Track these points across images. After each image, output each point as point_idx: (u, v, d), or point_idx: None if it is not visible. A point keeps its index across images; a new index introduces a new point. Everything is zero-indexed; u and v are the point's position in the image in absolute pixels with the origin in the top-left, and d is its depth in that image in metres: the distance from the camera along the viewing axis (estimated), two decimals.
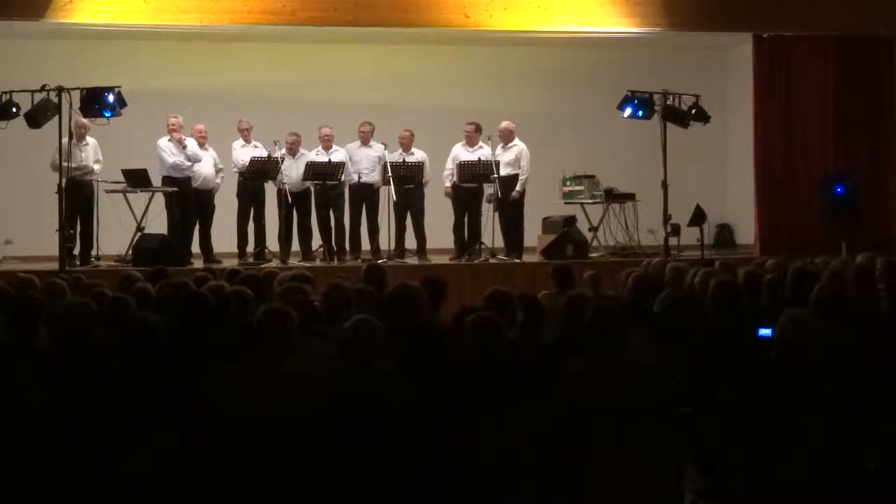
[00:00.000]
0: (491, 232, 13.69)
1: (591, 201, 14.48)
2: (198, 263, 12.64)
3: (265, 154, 13.42)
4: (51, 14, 12.97)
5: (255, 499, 4.77)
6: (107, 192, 13.00)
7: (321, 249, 13.50)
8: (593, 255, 13.92)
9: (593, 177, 14.62)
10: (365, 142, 13.74)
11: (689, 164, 14.88)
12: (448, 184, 13.75)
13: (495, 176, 13.37)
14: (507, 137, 13.79)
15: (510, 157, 13.69)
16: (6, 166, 14.58)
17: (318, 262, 13.17)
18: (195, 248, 13.34)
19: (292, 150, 13.55)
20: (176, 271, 10.34)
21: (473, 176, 13.54)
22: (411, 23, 13.93)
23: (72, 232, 12.51)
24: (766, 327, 6.00)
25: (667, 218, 13.39)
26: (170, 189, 13.07)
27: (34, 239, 13.57)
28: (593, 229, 14.36)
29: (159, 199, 13.13)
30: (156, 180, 13.12)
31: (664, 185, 13.43)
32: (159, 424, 4.88)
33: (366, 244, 13.63)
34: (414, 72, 15.98)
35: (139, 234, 12.87)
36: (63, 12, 12.99)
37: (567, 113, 16.13)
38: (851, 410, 5.16)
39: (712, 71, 16.45)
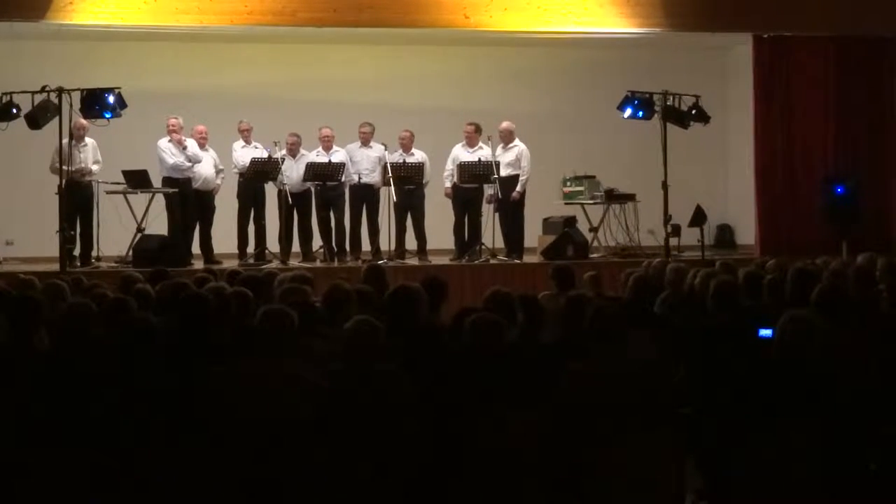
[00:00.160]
0: (491, 233, 13.70)
1: (591, 202, 14.49)
2: (198, 264, 12.64)
3: (265, 155, 13.43)
4: (51, 15, 12.96)
5: (256, 499, 4.77)
6: (107, 193, 13.00)
7: (321, 250, 13.50)
8: (594, 255, 13.92)
9: (594, 177, 14.64)
10: (365, 142, 13.75)
11: (689, 165, 14.88)
12: (448, 184, 13.75)
13: (495, 176, 13.37)
14: (507, 138, 13.80)
15: (510, 157, 13.70)
16: (6, 167, 14.59)
17: (318, 263, 13.18)
18: (195, 248, 13.34)
19: (293, 151, 13.55)
20: (176, 272, 10.32)
21: (473, 176, 13.54)
22: (411, 23, 13.92)
23: (72, 233, 12.50)
24: (766, 328, 6.00)
25: (667, 218, 13.39)
26: (170, 190, 13.07)
27: (34, 240, 13.58)
28: (594, 230, 14.36)
29: (160, 200, 13.13)
30: (156, 181, 13.13)
31: (664, 186, 13.43)
32: (159, 425, 4.88)
33: (366, 245, 13.63)
34: (414, 72, 15.98)
35: (139, 235, 12.88)
36: (63, 13, 12.98)
37: (567, 113, 16.13)
38: (852, 410, 5.16)
39: (712, 71, 16.45)
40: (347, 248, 13.59)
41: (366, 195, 13.61)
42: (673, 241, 13.49)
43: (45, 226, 12.72)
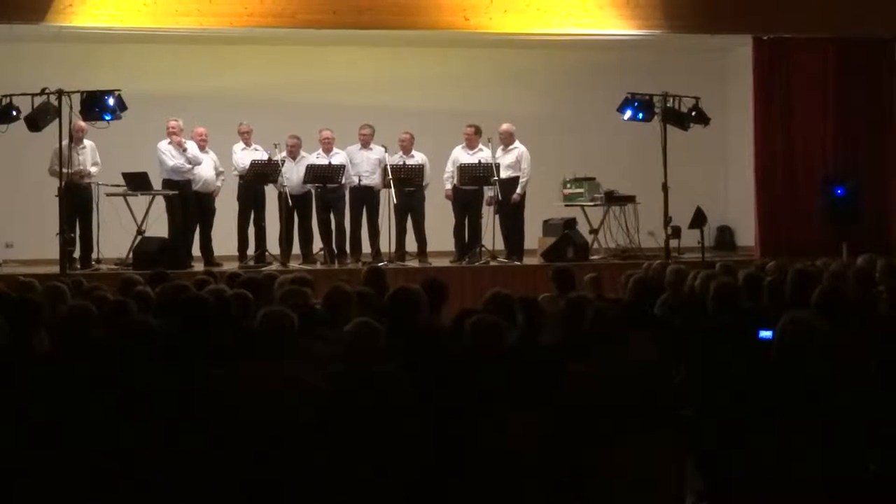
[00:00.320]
0: (491, 234, 13.71)
1: (591, 203, 14.50)
2: (198, 266, 12.65)
3: (265, 157, 13.43)
4: (51, 17, 12.96)
5: (256, 501, 4.77)
6: (107, 195, 13.00)
7: (321, 252, 13.50)
8: (594, 257, 13.93)
9: (593, 179, 14.65)
10: (365, 144, 13.75)
11: (689, 167, 14.88)
12: (448, 186, 13.75)
13: (495, 178, 13.38)
14: (507, 140, 13.80)
15: (510, 159, 13.70)
16: (6, 170, 14.59)
17: (318, 265, 13.18)
18: (196, 251, 13.34)
19: (293, 153, 13.55)
20: (176, 274, 10.33)
21: (473, 178, 13.55)
22: (411, 25, 13.92)
23: (72, 235, 12.50)
24: (766, 329, 6.00)
25: (667, 220, 13.39)
26: (170, 192, 13.07)
27: (34, 242, 13.58)
28: (594, 231, 14.37)
29: (160, 203, 13.13)
30: (156, 183, 13.13)
31: (664, 188, 13.42)
32: (159, 427, 4.88)
33: (366, 247, 13.63)
34: (414, 74, 15.99)
35: (139, 237, 12.88)
36: (63, 15, 12.98)
37: (567, 115, 16.13)
38: (851, 412, 5.17)
39: (712, 73, 16.45)
40: (348, 250, 13.58)
41: (366, 197, 13.61)
42: (673, 243, 13.49)
43: (45, 228, 12.73)
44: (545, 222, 14.49)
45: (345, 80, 15.69)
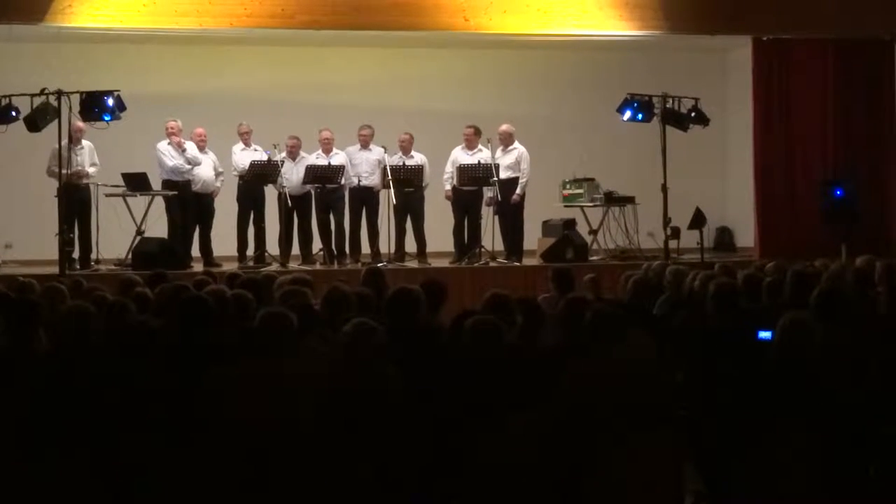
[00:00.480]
0: (491, 235, 13.71)
1: (590, 204, 14.50)
2: (197, 267, 12.65)
3: (265, 157, 13.43)
4: (50, 17, 12.95)
5: (256, 500, 4.77)
6: (106, 195, 13.00)
7: (321, 253, 13.50)
8: (593, 258, 13.94)
9: (593, 180, 14.65)
10: (365, 145, 13.75)
11: (688, 167, 14.89)
12: (448, 187, 13.76)
13: (495, 179, 13.38)
14: (506, 140, 13.80)
15: (510, 160, 13.70)
16: (5, 170, 14.59)
17: (317, 266, 13.18)
18: (195, 251, 13.34)
19: (292, 154, 13.55)
20: (175, 275, 10.33)
21: (473, 179, 13.55)
22: (410, 26, 13.92)
23: (71, 236, 12.50)
24: (765, 330, 6.00)
25: (666, 221, 13.39)
26: (169, 193, 13.07)
27: (34, 243, 13.57)
28: (593, 232, 14.37)
29: (159, 203, 13.14)
30: (155, 184, 13.13)
31: (664, 188, 13.43)
32: (159, 426, 4.88)
33: (366, 247, 13.64)
34: (413, 75, 15.99)
35: (139, 237, 12.88)
36: (63, 15, 12.97)
37: (567, 116, 16.14)
38: (851, 412, 5.17)
39: (712, 74, 16.46)
40: (347, 250, 13.59)
41: (365, 198, 13.62)
42: (672, 244, 13.48)
43: (44, 229, 12.72)
44: (544, 223, 14.49)
45: (344, 81, 15.69)
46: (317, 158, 13.58)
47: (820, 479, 4.94)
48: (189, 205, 13.21)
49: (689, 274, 8.45)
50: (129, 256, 12.81)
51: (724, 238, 16.49)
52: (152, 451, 4.73)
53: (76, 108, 12.26)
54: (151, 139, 13.45)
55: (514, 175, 13.64)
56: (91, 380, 5.26)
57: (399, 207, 13.44)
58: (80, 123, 12.68)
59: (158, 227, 13.16)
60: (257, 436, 4.88)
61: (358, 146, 13.78)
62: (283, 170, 13.27)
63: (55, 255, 12.18)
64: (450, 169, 13.76)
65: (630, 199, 14.43)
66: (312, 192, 13.52)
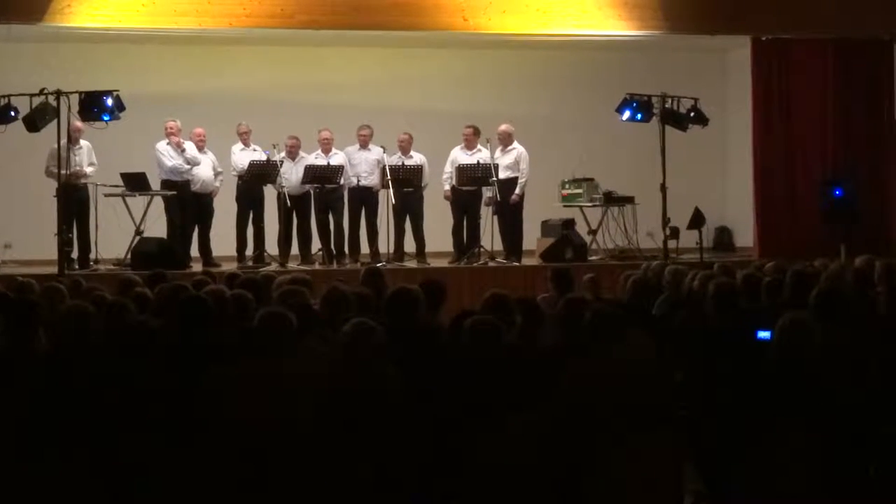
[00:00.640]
0: (490, 235, 13.70)
1: (589, 204, 14.50)
2: (197, 267, 12.65)
3: (264, 157, 13.42)
4: (49, 17, 12.94)
5: (255, 500, 4.77)
6: (105, 195, 12.99)
7: (320, 253, 13.50)
8: (592, 258, 13.93)
9: (592, 180, 14.65)
10: (364, 145, 13.75)
11: (687, 167, 14.89)
12: (447, 187, 13.76)
13: (494, 179, 13.38)
14: (505, 140, 13.81)
15: (509, 160, 13.70)
16: (5, 170, 14.58)
17: (317, 266, 13.18)
18: (194, 251, 13.34)
19: (292, 154, 13.55)
20: (175, 275, 10.32)
21: (472, 179, 13.55)
22: (410, 26, 13.91)
23: (70, 236, 12.49)
24: (765, 330, 6.00)
25: (666, 221, 13.39)
26: (168, 193, 13.07)
27: (33, 243, 13.56)
28: (592, 232, 14.37)
29: (158, 203, 13.13)
30: (154, 184, 13.13)
31: (663, 188, 13.43)
32: (159, 426, 4.88)
33: (365, 247, 13.65)
34: (413, 75, 15.99)
35: (138, 237, 12.88)
36: (62, 15, 12.97)
37: (566, 116, 16.14)
38: (850, 412, 5.17)
39: (711, 74, 16.46)
40: (346, 250, 13.59)
41: (365, 198, 13.62)
42: (671, 244, 13.48)
43: (43, 228, 12.72)
44: (544, 223, 14.49)
45: (343, 81, 15.69)
46: (316, 158, 13.57)
47: (820, 479, 4.94)
48: (188, 205, 13.21)
49: (689, 274, 8.45)
50: (129, 256, 12.80)
51: (724, 238, 16.48)
52: (152, 451, 4.73)
53: (75, 108, 12.25)
54: (150, 139, 13.45)
55: (513, 175, 13.64)
56: (90, 380, 5.26)
57: (398, 207, 13.44)
58: (79, 123, 12.68)
59: (157, 227, 13.15)
60: (257, 436, 4.88)
61: (357, 146, 13.78)
62: (282, 170, 13.26)
63: (54, 255, 12.17)
64: (449, 169, 13.76)
65: (629, 199, 14.43)
66: (312, 192, 13.52)
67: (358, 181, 13.56)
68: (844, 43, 15.19)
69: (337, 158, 13.58)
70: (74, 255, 12.73)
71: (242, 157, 13.53)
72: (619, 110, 13.88)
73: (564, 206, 14.69)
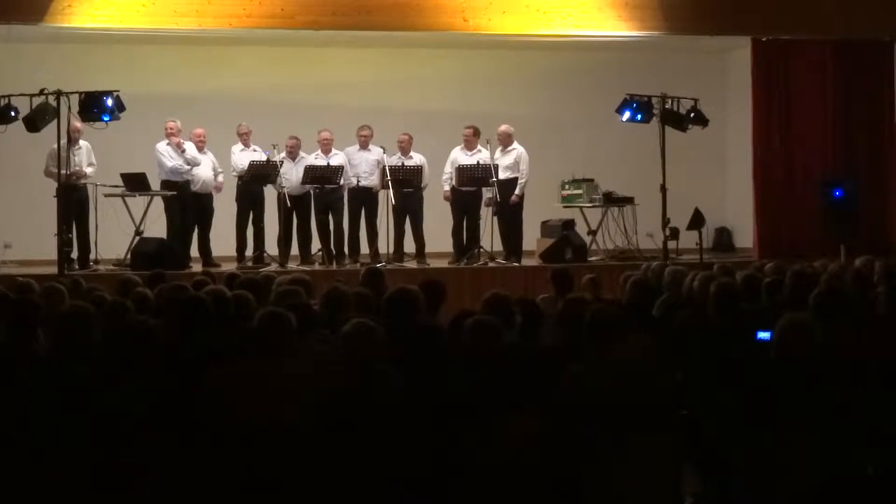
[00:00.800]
0: (490, 235, 13.70)
1: (589, 205, 14.50)
2: (196, 267, 12.64)
3: (264, 158, 13.43)
4: (49, 17, 12.94)
5: (256, 499, 4.77)
6: (105, 196, 12.99)
7: (320, 253, 13.50)
8: (592, 258, 13.93)
9: (592, 180, 14.65)
10: (364, 145, 13.75)
11: (687, 168, 14.90)
12: (447, 187, 13.76)
13: (494, 179, 13.38)
14: (505, 141, 13.81)
15: (509, 160, 13.70)
16: (5, 170, 14.59)
17: (316, 266, 13.18)
18: (194, 251, 13.34)
19: (292, 154, 13.55)
20: (174, 275, 10.33)
21: (472, 179, 13.55)
22: (410, 27, 13.91)
23: (69, 236, 12.49)
24: (764, 330, 6.00)
25: (665, 221, 13.39)
26: (168, 193, 13.07)
27: (32, 243, 13.56)
28: (592, 233, 14.37)
29: (158, 203, 13.13)
30: (154, 184, 13.13)
31: (663, 189, 13.43)
32: (159, 426, 4.88)
33: (365, 248, 13.65)
34: (413, 75, 15.99)
35: (138, 238, 12.88)
36: (62, 16, 12.96)
37: (566, 116, 16.14)
38: (850, 412, 5.17)
39: (711, 74, 16.45)
40: (346, 251, 13.59)
41: (364, 198, 13.62)
42: (671, 244, 13.48)
43: (43, 229, 12.73)
44: (543, 223, 14.49)
45: (344, 82, 15.69)
46: (316, 159, 13.57)
47: (820, 479, 4.94)
48: (188, 205, 13.21)
49: (689, 274, 8.45)
50: (128, 257, 12.81)
51: (723, 238, 16.48)
52: (152, 451, 4.73)
53: (75, 108, 12.26)
54: (151, 139, 13.45)
55: (513, 175, 13.64)
56: (91, 380, 5.26)
57: (398, 208, 13.44)
58: (78, 123, 12.67)
59: (157, 227, 13.15)
60: (257, 436, 4.88)
61: (357, 146, 13.78)
62: (282, 170, 13.26)
63: (54, 256, 12.18)
64: (449, 169, 13.76)
65: (629, 200, 14.43)
66: (311, 193, 13.52)
67: (358, 182, 13.57)
68: (844, 43, 15.19)
69: (337, 159, 13.58)
70: (74, 255, 12.73)
71: (242, 157, 13.53)
72: (619, 111, 13.88)
73: (564, 206, 14.69)
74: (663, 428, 5.20)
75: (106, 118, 12.39)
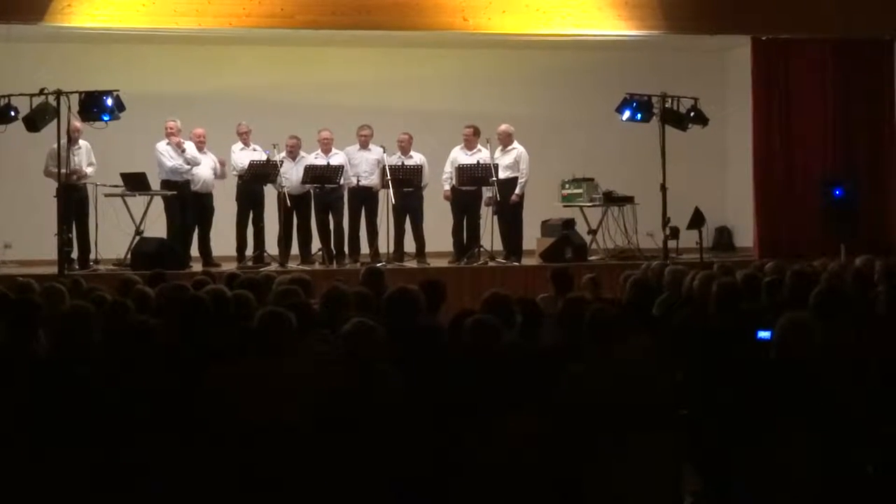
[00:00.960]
0: (490, 235, 13.70)
1: (589, 204, 14.50)
2: (196, 267, 12.65)
3: (264, 157, 13.42)
4: (49, 17, 12.94)
5: (256, 499, 4.77)
6: (105, 195, 12.99)
7: (320, 253, 13.50)
8: (592, 258, 13.93)
9: (592, 180, 14.65)
10: (364, 145, 13.75)
11: (687, 167, 14.89)
12: (447, 187, 13.76)
13: (494, 179, 13.38)
14: (505, 140, 13.80)
15: (509, 160, 13.70)
16: (4, 170, 14.59)
17: (317, 266, 13.18)
18: (194, 251, 13.34)
19: (292, 154, 13.55)
20: (174, 275, 10.33)
21: (472, 179, 13.55)
22: (410, 26, 13.91)
23: (69, 236, 12.49)
24: (765, 330, 6.00)
25: (665, 221, 13.39)
26: (168, 193, 13.07)
27: (33, 243, 13.56)
28: (592, 232, 14.36)
29: (158, 203, 13.13)
30: (154, 184, 13.12)
31: (663, 188, 13.43)
32: (159, 426, 4.88)
33: (365, 247, 13.64)
34: (413, 75, 15.98)
35: (138, 237, 12.88)
36: (62, 15, 12.96)
37: (566, 116, 16.13)
38: (850, 412, 5.17)
39: (711, 73, 16.44)
40: (346, 250, 13.59)
41: (365, 198, 13.62)
42: (671, 244, 13.48)
43: (43, 228, 12.73)
44: (544, 223, 14.49)
45: (344, 81, 15.68)
46: (316, 158, 13.57)
47: (820, 479, 4.93)
48: (188, 205, 13.21)
49: (689, 274, 8.44)
50: (129, 256, 12.80)
51: (723, 238, 16.48)
52: (152, 451, 4.73)
53: (75, 108, 12.26)
54: (151, 139, 13.45)
55: (513, 175, 13.64)
56: (91, 380, 5.26)
57: (398, 207, 13.44)
58: (77, 123, 12.67)
59: (157, 227, 13.15)
60: (257, 436, 4.88)
61: (357, 146, 13.78)
62: (282, 170, 13.26)
63: (54, 255, 12.18)
64: (449, 169, 13.76)
65: (629, 199, 14.43)
66: (312, 192, 13.52)
67: (358, 181, 13.57)
68: (844, 43, 15.19)
69: (337, 158, 13.58)
70: (74, 255, 12.73)
71: (242, 156, 13.53)
72: (619, 110, 13.88)
73: (564, 205, 14.69)
74: (663, 428, 5.20)
75: (106, 118, 12.39)
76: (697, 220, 13.84)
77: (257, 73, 15.58)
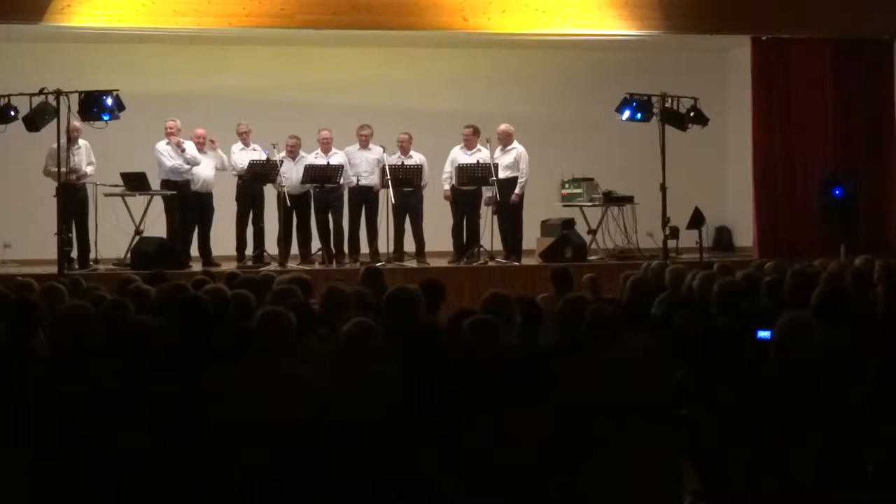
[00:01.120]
0: (489, 235, 13.70)
1: (589, 204, 14.50)
2: (196, 267, 12.64)
3: (264, 157, 13.43)
4: (49, 17, 12.94)
5: (255, 500, 4.77)
6: (105, 195, 12.99)
7: (320, 252, 13.50)
8: (592, 257, 13.93)
9: (592, 179, 14.65)
10: (364, 145, 13.75)
11: (687, 167, 14.90)
12: (447, 187, 13.76)
13: (494, 179, 13.38)
14: (505, 140, 13.81)
15: (509, 159, 13.70)
16: (4, 170, 14.59)
17: (316, 265, 13.18)
18: (194, 251, 13.34)
19: (292, 153, 13.55)
20: (174, 274, 10.32)
21: (472, 179, 13.55)
22: (410, 26, 13.92)
23: (69, 235, 12.49)
24: (764, 329, 6.00)
25: (665, 221, 13.39)
26: (168, 192, 13.07)
27: (32, 243, 13.56)
28: (592, 232, 14.37)
29: (158, 203, 13.13)
30: (154, 184, 13.13)
31: (663, 188, 13.43)
32: (159, 426, 4.88)
33: (364, 247, 13.64)
34: (413, 75, 15.98)
35: (138, 237, 12.88)
36: (61, 15, 12.97)
37: (566, 116, 16.13)
38: (850, 411, 5.17)
39: (711, 73, 16.45)
40: (346, 250, 13.59)
41: (364, 197, 13.62)
42: (671, 244, 13.48)
43: (43, 228, 12.73)
44: (543, 222, 14.49)
45: (344, 81, 15.69)
46: (316, 158, 13.57)
47: (820, 479, 4.93)
48: (188, 204, 13.21)
49: (689, 274, 8.44)
50: (128, 256, 12.81)
51: (723, 238, 16.48)
52: (152, 451, 4.73)
53: (75, 107, 12.26)
54: (150, 139, 13.45)
55: (512, 175, 13.64)
56: (90, 380, 5.26)
57: (398, 207, 13.44)
58: (77, 123, 12.67)
59: (157, 226, 13.15)
60: (257, 436, 4.87)
61: (357, 146, 13.78)
62: (282, 169, 13.26)
63: (54, 255, 12.19)
64: (449, 168, 13.76)
65: (629, 199, 14.44)
66: (311, 192, 13.52)
67: (358, 181, 13.57)
68: (844, 43, 15.19)
69: (337, 158, 13.58)
70: (74, 254, 12.73)
71: (242, 156, 13.53)
72: (619, 110, 13.88)
73: (564, 205, 14.70)
74: (663, 426, 5.20)
75: (105, 118, 12.40)
76: (697, 219, 13.85)
77: (257, 72, 15.58)
